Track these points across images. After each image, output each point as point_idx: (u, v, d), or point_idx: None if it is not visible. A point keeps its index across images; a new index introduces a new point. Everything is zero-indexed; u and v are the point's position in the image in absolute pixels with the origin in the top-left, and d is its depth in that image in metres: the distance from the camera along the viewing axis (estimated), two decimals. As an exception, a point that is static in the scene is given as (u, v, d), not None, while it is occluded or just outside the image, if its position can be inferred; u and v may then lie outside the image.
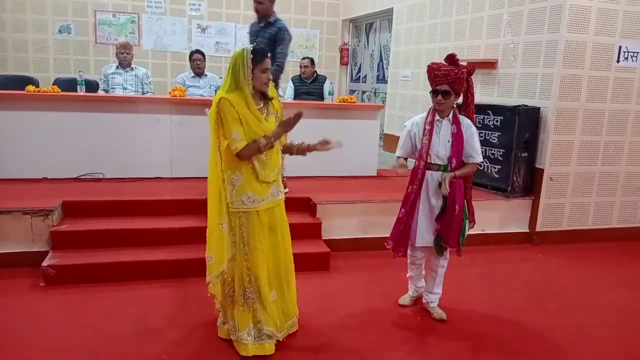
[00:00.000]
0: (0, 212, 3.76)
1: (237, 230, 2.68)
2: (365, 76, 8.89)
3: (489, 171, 5.03)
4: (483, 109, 5.07)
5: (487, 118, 5.01)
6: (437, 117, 3.05)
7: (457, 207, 3.06)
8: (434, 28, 6.44)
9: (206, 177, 2.73)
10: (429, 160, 3.05)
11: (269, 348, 2.75)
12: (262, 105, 2.68)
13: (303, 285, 3.69)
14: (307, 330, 3.07)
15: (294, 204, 4.51)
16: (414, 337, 3.10)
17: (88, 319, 3.11)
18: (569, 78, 4.65)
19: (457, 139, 3.01)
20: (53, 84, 5.32)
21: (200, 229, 2.93)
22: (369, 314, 3.35)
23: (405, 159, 3.19)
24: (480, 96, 5.54)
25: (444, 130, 3.03)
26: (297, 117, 2.57)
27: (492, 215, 4.87)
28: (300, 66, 6.42)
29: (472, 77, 3.09)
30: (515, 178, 4.83)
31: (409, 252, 3.27)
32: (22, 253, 3.78)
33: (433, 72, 2.98)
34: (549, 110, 4.72)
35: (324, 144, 2.81)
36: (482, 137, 5.04)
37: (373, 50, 8.57)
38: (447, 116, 3.05)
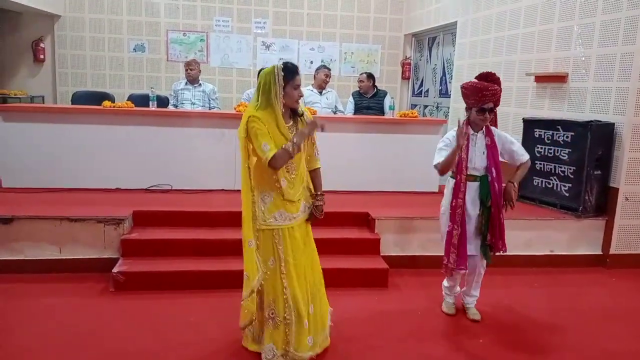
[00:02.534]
0: (76, 219, 4.00)
1: (272, 248, 2.69)
2: (427, 90, 8.79)
3: (559, 189, 4.81)
4: (552, 124, 4.87)
5: (556, 134, 4.81)
6: (471, 131, 3.23)
7: (502, 215, 3.26)
8: (499, 41, 6.28)
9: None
10: (467, 173, 3.21)
11: None
12: (291, 123, 2.68)
13: (360, 302, 3.69)
14: (362, 347, 3.05)
15: (352, 219, 4.52)
16: (478, 357, 3.00)
17: (151, 324, 3.24)
18: (646, 92, 4.39)
19: (492, 149, 3.21)
20: (127, 100, 5.64)
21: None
22: (427, 333, 3.27)
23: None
24: (549, 111, 5.33)
25: (479, 143, 3.23)
26: (312, 125, 2.63)
27: (561, 236, 4.65)
28: (358, 81, 6.51)
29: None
30: (587, 197, 4.58)
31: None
32: (94, 259, 4.00)
33: (481, 92, 3.13)
34: (624, 126, 4.46)
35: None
36: (550, 153, 4.85)
37: (436, 65, 8.46)
38: (481, 129, 3.24)
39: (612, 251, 4.62)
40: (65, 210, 4.12)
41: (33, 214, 4.02)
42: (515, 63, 5.94)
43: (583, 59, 4.91)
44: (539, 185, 5.00)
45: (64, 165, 4.96)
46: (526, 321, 3.50)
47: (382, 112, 6.26)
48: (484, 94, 3.13)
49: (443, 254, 3.33)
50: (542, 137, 4.95)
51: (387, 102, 6.28)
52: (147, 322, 3.28)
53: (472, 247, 3.29)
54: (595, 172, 4.54)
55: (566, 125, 4.74)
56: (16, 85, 8.33)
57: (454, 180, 3.25)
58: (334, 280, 3.86)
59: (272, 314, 2.71)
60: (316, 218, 2.82)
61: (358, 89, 6.55)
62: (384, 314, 3.54)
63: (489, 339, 3.22)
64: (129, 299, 3.58)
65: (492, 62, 6.41)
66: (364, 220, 4.51)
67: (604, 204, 4.65)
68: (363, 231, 4.43)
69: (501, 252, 3.31)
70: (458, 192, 3.21)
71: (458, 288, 3.58)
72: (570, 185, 4.69)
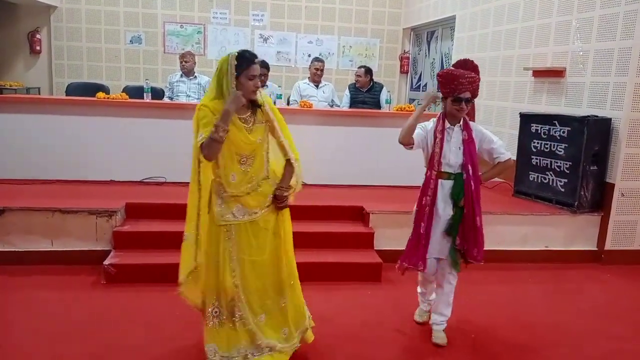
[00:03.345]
0: (68, 211, 3.98)
1: (219, 245, 2.52)
2: (425, 85, 8.75)
3: (554, 185, 4.78)
4: (549, 119, 4.84)
5: (552, 129, 4.78)
6: (447, 124, 2.95)
7: (478, 219, 2.91)
8: (497, 35, 6.24)
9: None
10: (440, 169, 2.93)
11: None
12: (248, 114, 2.51)
13: (352, 296, 3.68)
14: (353, 341, 3.03)
15: (346, 213, 4.50)
16: (470, 353, 2.99)
17: (142, 317, 3.22)
18: (644, 87, 4.35)
19: (469, 145, 2.92)
20: (122, 92, 5.60)
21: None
22: (419, 328, 3.25)
23: (411, 144, 2.94)
24: (546, 106, 5.30)
25: (454, 137, 2.93)
26: (233, 99, 2.36)
27: (557, 232, 4.63)
28: (355, 74, 6.45)
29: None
30: (582, 192, 4.55)
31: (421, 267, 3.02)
32: (87, 251, 3.98)
33: (457, 79, 2.84)
34: (621, 122, 4.42)
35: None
36: (547, 148, 4.82)
37: (434, 59, 8.42)
38: (458, 123, 2.95)
39: (607, 247, 4.59)
40: (57, 202, 4.09)
41: (25, 205, 4.00)
42: (514, 58, 5.90)
43: (581, 53, 4.87)
44: (535, 180, 4.98)
45: (57, 157, 4.93)
46: (520, 317, 3.48)
47: (378, 106, 6.22)
48: (460, 82, 2.83)
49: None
50: (539, 131, 4.92)
51: (384, 95, 6.24)
52: (138, 314, 3.26)
53: (438, 250, 2.98)
54: (591, 168, 4.51)
55: (563, 120, 4.71)
56: (13, 77, 8.28)
57: (425, 177, 2.98)
58: (327, 274, 3.88)
59: (216, 312, 2.57)
60: (279, 207, 2.63)
61: (355, 82, 6.50)
62: (377, 308, 3.52)
63: (482, 335, 3.21)
64: (121, 291, 3.57)
65: (490, 56, 6.38)
66: (358, 214, 4.49)
67: (599, 200, 4.63)
68: (357, 225, 4.41)
69: (476, 261, 2.95)
70: (427, 189, 2.94)
71: (434, 295, 3.21)
72: (566, 180, 4.67)
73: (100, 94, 5.13)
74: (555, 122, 4.76)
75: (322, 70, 6.30)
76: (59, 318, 3.16)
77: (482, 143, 2.98)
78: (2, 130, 4.89)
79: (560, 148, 4.71)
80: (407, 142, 2.93)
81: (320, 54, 8.65)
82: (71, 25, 8.34)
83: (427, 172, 2.97)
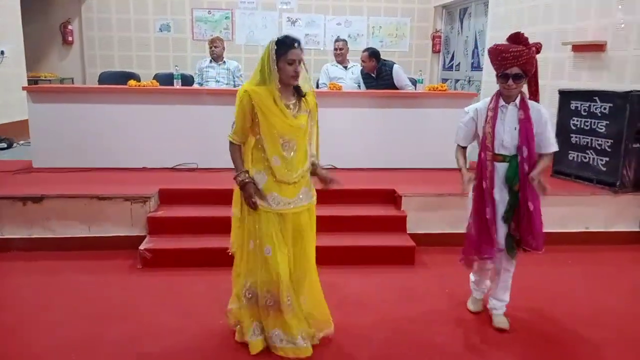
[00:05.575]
0: (104, 198, 4.05)
1: (275, 229, 2.52)
2: (458, 64, 8.54)
3: (595, 164, 4.60)
4: (589, 95, 4.64)
5: (593, 105, 4.58)
6: (501, 102, 2.78)
7: (532, 205, 2.75)
8: (535, 10, 6.00)
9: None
10: (493, 151, 2.77)
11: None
12: (293, 101, 2.52)
13: (385, 279, 3.65)
14: (383, 323, 3.01)
15: (377, 196, 4.44)
16: (506, 337, 2.92)
17: (177, 300, 3.26)
18: (693, 59, 4.13)
19: (525, 125, 2.72)
20: (153, 79, 5.64)
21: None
22: (452, 312, 3.20)
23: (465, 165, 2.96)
24: (586, 82, 5.09)
25: (509, 116, 2.75)
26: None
27: (598, 212, 4.46)
28: (360, 59, 5.75)
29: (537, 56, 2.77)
30: (625, 172, 4.37)
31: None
32: (122, 237, 4.04)
33: (501, 54, 2.68)
34: (668, 96, 4.21)
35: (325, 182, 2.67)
36: (587, 126, 4.63)
37: (467, 37, 8.20)
38: (514, 101, 2.77)
39: (652, 228, 4.42)
40: (93, 189, 4.17)
41: (63, 192, 4.09)
42: (552, 33, 5.67)
43: (622, 26, 4.64)
44: (575, 159, 4.80)
45: (92, 145, 5.02)
46: (560, 300, 3.38)
47: (395, 89, 5.68)
48: (504, 57, 2.65)
49: (464, 243, 2.97)
50: (579, 109, 4.73)
51: (399, 75, 5.62)
52: (173, 297, 3.30)
53: (500, 239, 2.85)
54: (634, 145, 4.32)
55: (604, 96, 4.51)
56: (47, 68, 8.47)
57: (478, 159, 2.84)
58: (360, 257, 3.86)
59: (270, 302, 2.57)
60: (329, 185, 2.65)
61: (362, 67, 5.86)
62: (411, 291, 3.48)
63: (519, 318, 3.12)
64: (156, 275, 3.62)
65: (527, 32, 6.04)
66: (390, 198, 4.42)
67: (643, 179, 4.44)
68: (389, 209, 4.34)
69: (533, 250, 2.82)
70: (485, 171, 2.78)
71: (488, 282, 3.13)
72: (607, 159, 4.48)
73: (132, 82, 5.19)
74: (596, 98, 4.57)
75: (342, 49, 5.95)
76: (96, 300, 3.23)
77: (538, 124, 2.75)
78: (39, 121, 5.00)
79: (601, 125, 4.51)
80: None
81: (349, 36, 8.54)
82: (101, 15, 8.46)
83: (480, 154, 2.82)
